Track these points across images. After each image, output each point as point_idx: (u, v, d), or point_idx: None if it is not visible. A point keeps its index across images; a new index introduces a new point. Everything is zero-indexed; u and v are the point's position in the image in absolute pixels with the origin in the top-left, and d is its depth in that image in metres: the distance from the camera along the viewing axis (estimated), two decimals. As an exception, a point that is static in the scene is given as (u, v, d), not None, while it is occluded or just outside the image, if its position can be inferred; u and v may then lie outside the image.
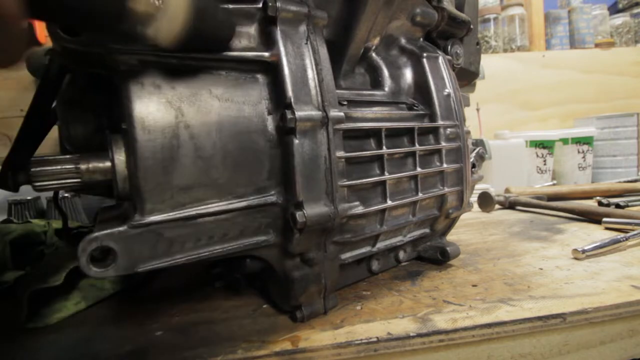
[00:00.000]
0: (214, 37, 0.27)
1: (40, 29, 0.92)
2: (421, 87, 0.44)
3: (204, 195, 0.28)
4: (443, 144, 0.43)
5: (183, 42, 0.24)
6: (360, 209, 0.35)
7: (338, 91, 0.36)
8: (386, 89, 0.45)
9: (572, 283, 0.39)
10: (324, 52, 0.34)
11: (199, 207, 0.28)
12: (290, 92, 0.30)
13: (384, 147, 0.37)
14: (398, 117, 0.41)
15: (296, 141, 0.30)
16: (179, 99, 0.27)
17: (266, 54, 0.31)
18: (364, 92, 0.42)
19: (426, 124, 0.43)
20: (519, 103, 1.42)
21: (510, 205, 0.86)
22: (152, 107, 0.26)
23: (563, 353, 0.33)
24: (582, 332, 0.34)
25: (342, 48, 0.41)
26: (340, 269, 0.36)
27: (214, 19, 0.26)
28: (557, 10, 1.49)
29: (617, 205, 0.76)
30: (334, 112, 0.32)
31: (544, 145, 1.12)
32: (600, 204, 0.80)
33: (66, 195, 0.73)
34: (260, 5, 0.31)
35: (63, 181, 0.27)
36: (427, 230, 0.46)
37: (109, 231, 0.25)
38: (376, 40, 0.43)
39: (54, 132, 0.36)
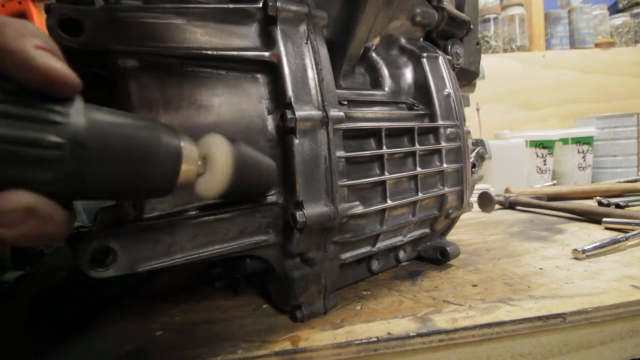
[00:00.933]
0: (255, 189, 0.29)
1: (41, 26, 0.92)
2: (421, 87, 0.44)
3: (204, 195, 0.28)
4: (443, 144, 0.43)
5: (225, 195, 0.24)
6: (360, 209, 0.35)
7: (338, 91, 0.36)
8: (386, 88, 0.45)
9: (572, 283, 0.39)
10: (324, 51, 0.34)
11: (199, 207, 0.28)
12: (290, 92, 0.30)
13: (384, 147, 0.37)
14: (398, 117, 0.41)
15: (296, 141, 0.30)
16: (179, 98, 0.27)
17: (266, 53, 0.30)
18: (364, 91, 0.42)
19: (426, 123, 0.43)
20: (519, 103, 1.42)
21: (510, 205, 0.86)
22: (152, 106, 0.26)
23: (563, 353, 0.33)
24: (582, 332, 0.34)
25: (342, 48, 0.41)
26: (340, 268, 0.36)
27: (257, 173, 0.27)
28: (557, 10, 1.49)
29: (617, 205, 0.76)
30: (334, 112, 0.32)
31: (544, 145, 1.12)
32: (600, 204, 0.80)
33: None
34: (261, 4, 0.31)
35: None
36: (427, 230, 0.46)
37: (109, 231, 0.24)
38: (376, 40, 0.43)
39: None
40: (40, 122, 0.16)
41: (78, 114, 0.17)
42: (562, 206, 0.75)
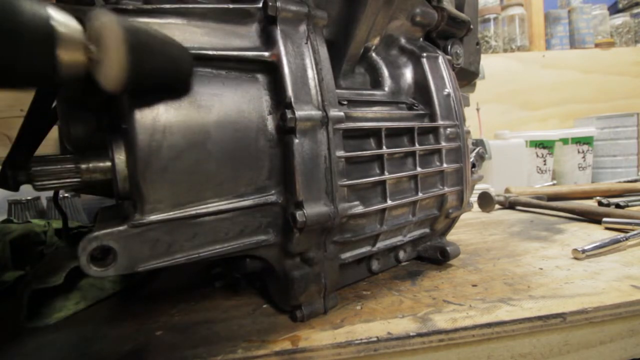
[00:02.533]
0: (167, 74, 0.25)
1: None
2: (421, 87, 0.44)
3: (204, 195, 0.28)
4: (443, 143, 0.43)
5: (129, 83, 0.22)
6: (360, 209, 0.35)
7: (338, 91, 0.36)
8: (386, 88, 0.45)
9: (572, 283, 0.39)
10: (324, 51, 0.34)
11: (199, 207, 0.28)
12: (290, 92, 0.30)
13: (384, 147, 0.37)
14: (398, 117, 0.41)
15: (296, 141, 0.30)
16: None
17: (266, 53, 0.31)
18: (364, 91, 0.42)
19: (426, 123, 0.43)
20: (519, 103, 1.42)
21: (510, 205, 0.86)
22: (152, 106, 0.26)
23: (563, 353, 0.33)
24: (582, 332, 0.34)
25: (342, 48, 0.41)
26: (340, 268, 0.36)
27: (164, 57, 0.25)
28: (557, 10, 1.49)
29: (617, 205, 0.76)
30: (334, 112, 0.32)
31: (544, 145, 1.12)
32: (600, 204, 0.80)
33: (66, 195, 0.73)
34: (261, 4, 0.31)
35: (63, 180, 0.28)
36: (427, 230, 0.46)
37: (109, 230, 0.24)
38: (376, 40, 0.44)
39: (54, 132, 0.36)
40: None
41: None
42: (562, 206, 0.75)
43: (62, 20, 0.19)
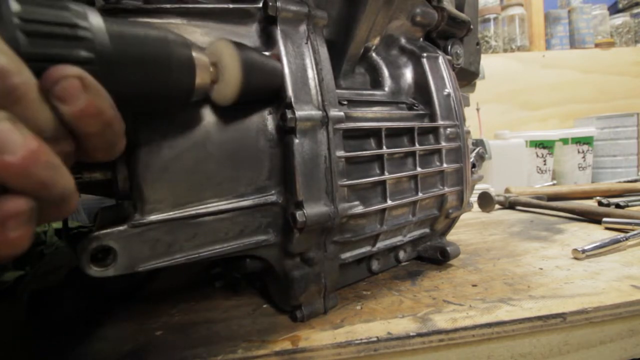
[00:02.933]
0: (264, 87, 0.29)
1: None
2: (421, 87, 0.44)
3: (204, 195, 0.28)
4: (443, 143, 0.43)
5: (239, 98, 0.26)
6: (360, 209, 0.35)
7: (338, 91, 0.36)
8: (386, 88, 0.45)
9: (572, 283, 0.39)
10: (324, 51, 0.34)
11: (199, 207, 0.28)
12: (290, 92, 0.30)
13: (384, 147, 0.37)
14: (398, 117, 0.41)
15: (296, 141, 0.30)
16: (179, 98, 0.27)
17: (266, 53, 0.31)
18: (364, 91, 0.42)
19: (426, 123, 0.43)
20: (519, 103, 1.42)
21: (510, 205, 0.86)
22: (152, 106, 0.26)
23: (563, 353, 0.33)
24: (582, 332, 0.34)
25: (342, 48, 0.41)
26: (340, 268, 0.36)
27: (265, 74, 0.28)
28: (557, 10, 1.50)
29: (617, 205, 0.76)
30: (334, 112, 0.32)
31: (544, 145, 1.12)
32: (600, 204, 0.80)
33: (66, 195, 0.73)
34: (261, 4, 0.31)
35: (63, 181, 0.27)
36: (427, 230, 0.46)
37: (109, 230, 0.24)
38: (376, 40, 0.44)
39: (54, 132, 0.36)
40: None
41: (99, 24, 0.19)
42: (562, 206, 0.75)
43: (198, 53, 0.23)
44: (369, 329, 0.31)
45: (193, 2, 0.30)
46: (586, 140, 1.16)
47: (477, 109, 1.22)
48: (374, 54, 0.45)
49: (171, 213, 0.27)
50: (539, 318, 0.32)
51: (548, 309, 0.33)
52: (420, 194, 0.41)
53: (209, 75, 0.24)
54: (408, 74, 0.45)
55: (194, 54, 0.23)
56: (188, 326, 0.34)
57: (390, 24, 0.43)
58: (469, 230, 0.67)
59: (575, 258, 0.47)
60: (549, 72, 1.44)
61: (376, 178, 0.36)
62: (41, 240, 0.53)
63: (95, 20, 0.18)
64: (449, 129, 0.44)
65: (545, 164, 1.13)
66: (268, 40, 0.31)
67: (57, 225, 0.55)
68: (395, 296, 0.38)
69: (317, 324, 0.33)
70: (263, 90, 0.29)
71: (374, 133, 0.38)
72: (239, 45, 0.26)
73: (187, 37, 0.28)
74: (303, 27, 0.32)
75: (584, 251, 0.47)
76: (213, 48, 0.25)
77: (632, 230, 0.55)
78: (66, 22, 0.17)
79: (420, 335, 0.30)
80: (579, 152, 1.16)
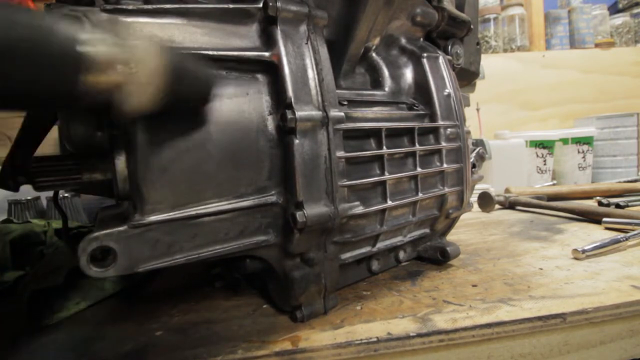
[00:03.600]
0: (193, 97, 0.25)
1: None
2: (421, 87, 0.44)
3: (204, 195, 0.28)
4: (443, 144, 0.43)
5: (157, 108, 0.21)
6: (360, 209, 0.35)
7: (338, 91, 0.36)
8: (386, 89, 0.45)
9: (572, 283, 0.39)
10: (324, 52, 0.34)
11: (199, 207, 0.28)
12: (290, 92, 0.30)
13: (384, 147, 0.37)
14: (398, 117, 0.41)
15: (296, 141, 0.30)
16: (179, 98, 0.27)
17: (266, 53, 0.30)
18: (364, 92, 0.42)
19: (426, 124, 0.43)
20: (519, 103, 1.42)
21: (510, 205, 0.86)
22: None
23: (563, 353, 0.33)
24: (582, 332, 0.34)
25: (342, 48, 0.40)
26: (340, 269, 0.36)
27: (194, 79, 0.24)
28: (557, 10, 1.49)
29: (617, 205, 0.76)
30: (334, 112, 0.32)
31: (544, 145, 1.12)
32: (600, 204, 0.80)
33: (66, 195, 0.73)
34: (261, 5, 0.31)
35: (63, 180, 0.28)
36: (427, 230, 0.46)
37: (109, 231, 0.24)
38: (376, 40, 0.43)
39: (54, 132, 0.36)
40: None
41: None
42: (562, 206, 0.75)
43: (92, 41, 0.19)
44: (369, 329, 0.31)
45: (193, 2, 0.30)
46: (586, 140, 1.16)
47: (477, 109, 1.22)
48: (374, 54, 0.45)
49: (171, 213, 0.27)
50: (539, 318, 0.32)
51: (548, 309, 0.33)
52: (420, 194, 0.41)
53: (116, 75, 0.20)
54: (408, 74, 0.45)
55: (89, 48, 0.19)
56: (188, 326, 0.34)
57: (391, 24, 0.43)
58: (469, 230, 0.67)
59: (575, 258, 0.47)
60: (549, 72, 1.43)
61: (376, 178, 0.36)
62: (41, 240, 0.53)
63: None
64: (449, 129, 0.44)
65: (545, 164, 1.13)
66: (268, 41, 0.31)
67: (57, 225, 0.55)
68: (395, 296, 0.38)
69: (317, 324, 0.33)
70: (193, 98, 0.26)
71: (374, 133, 0.38)
72: (168, 47, 0.22)
73: (187, 37, 0.28)
74: (303, 27, 0.32)
75: (584, 251, 0.47)
76: (132, 46, 0.21)
77: (632, 230, 0.55)
78: None
79: (420, 335, 0.30)
80: (579, 152, 1.16)
